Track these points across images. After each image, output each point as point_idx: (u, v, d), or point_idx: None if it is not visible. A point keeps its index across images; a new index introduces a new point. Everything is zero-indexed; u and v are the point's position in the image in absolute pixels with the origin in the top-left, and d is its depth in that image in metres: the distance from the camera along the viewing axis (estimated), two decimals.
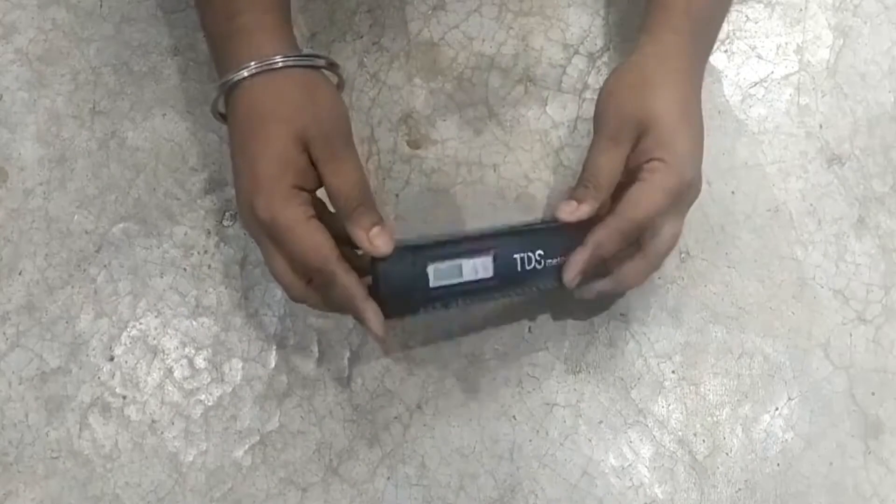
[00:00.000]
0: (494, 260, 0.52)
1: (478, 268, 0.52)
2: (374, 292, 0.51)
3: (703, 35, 0.56)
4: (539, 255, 0.53)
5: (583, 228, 0.53)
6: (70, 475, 0.57)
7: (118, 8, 0.65)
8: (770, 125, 0.65)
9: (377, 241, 0.49)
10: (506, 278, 0.52)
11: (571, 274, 0.53)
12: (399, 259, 0.50)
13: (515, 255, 0.52)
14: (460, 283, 0.51)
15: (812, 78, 0.66)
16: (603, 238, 0.52)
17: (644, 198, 0.51)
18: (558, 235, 0.53)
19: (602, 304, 0.61)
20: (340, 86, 0.56)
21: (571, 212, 0.52)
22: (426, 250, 0.51)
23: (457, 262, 0.51)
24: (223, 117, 0.53)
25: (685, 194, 0.53)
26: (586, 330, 0.61)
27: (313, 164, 0.49)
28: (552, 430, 0.59)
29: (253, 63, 0.49)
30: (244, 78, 0.50)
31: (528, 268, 0.52)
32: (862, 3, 0.68)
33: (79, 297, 0.60)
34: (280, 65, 0.49)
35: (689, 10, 0.54)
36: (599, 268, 0.54)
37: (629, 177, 0.52)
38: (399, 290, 0.51)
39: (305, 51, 0.53)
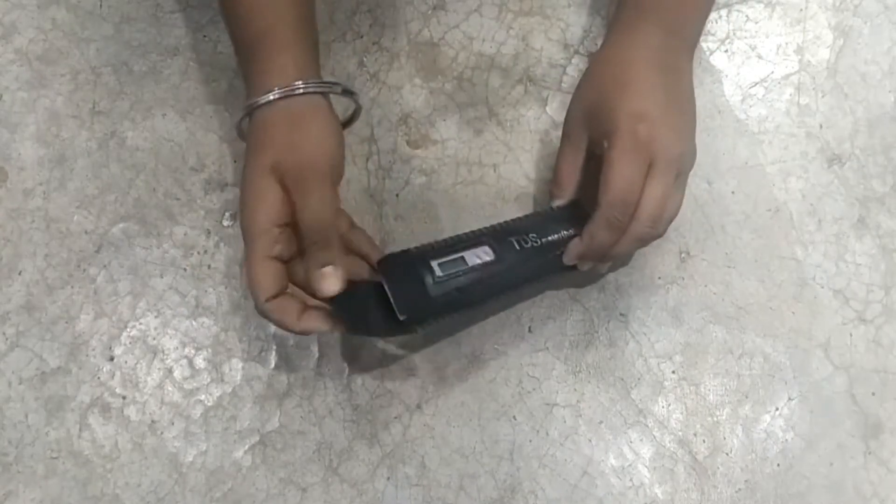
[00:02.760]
0: (492, 245, 0.54)
1: (479, 255, 0.53)
2: (374, 313, 0.51)
3: (678, 28, 0.56)
4: (532, 236, 0.55)
5: (568, 208, 0.56)
6: (70, 475, 0.57)
7: (118, 8, 0.65)
8: (770, 125, 0.65)
9: (322, 283, 0.49)
10: (509, 259, 0.53)
11: (569, 260, 0.55)
12: (401, 265, 0.51)
13: (510, 238, 0.54)
14: (466, 270, 0.52)
15: (812, 78, 0.66)
16: (593, 229, 0.52)
17: (608, 177, 0.50)
18: (546, 218, 0.56)
19: (605, 305, 0.61)
20: (356, 115, 0.58)
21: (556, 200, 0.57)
22: (425, 253, 0.52)
23: (458, 255, 0.53)
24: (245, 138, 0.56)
25: (647, 152, 0.51)
26: (586, 330, 0.61)
27: (289, 195, 0.51)
28: (552, 430, 0.59)
29: (274, 91, 0.51)
30: (259, 105, 0.52)
31: (526, 246, 0.54)
32: (862, 3, 0.68)
33: (79, 297, 0.60)
34: (299, 91, 0.51)
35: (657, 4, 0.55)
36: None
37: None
38: (411, 293, 0.51)
39: (327, 79, 0.54)
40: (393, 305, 0.50)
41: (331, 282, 0.49)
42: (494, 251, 0.53)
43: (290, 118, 0.51)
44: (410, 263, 0.52)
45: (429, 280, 0.51)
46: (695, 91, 0.65)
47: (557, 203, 0.57)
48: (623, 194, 0.50)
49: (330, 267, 0.49)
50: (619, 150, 0.50)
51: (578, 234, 0.54)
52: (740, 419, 0.60)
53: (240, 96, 0.63)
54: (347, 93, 0.55)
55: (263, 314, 0.51)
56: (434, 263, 0.52)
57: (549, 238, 0.55)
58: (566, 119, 0.57)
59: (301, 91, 0.51)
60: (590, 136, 0.54)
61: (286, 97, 0.51)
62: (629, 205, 0.51)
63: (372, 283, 0.52)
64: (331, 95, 0.54)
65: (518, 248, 0.54)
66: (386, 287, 0.50)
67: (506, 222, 0.56)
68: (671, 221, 0.53)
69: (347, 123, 0.58)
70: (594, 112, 0.54)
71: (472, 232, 0.55)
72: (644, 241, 0.54)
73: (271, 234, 0.50)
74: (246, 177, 0.52)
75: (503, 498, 0.58)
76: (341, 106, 0.57)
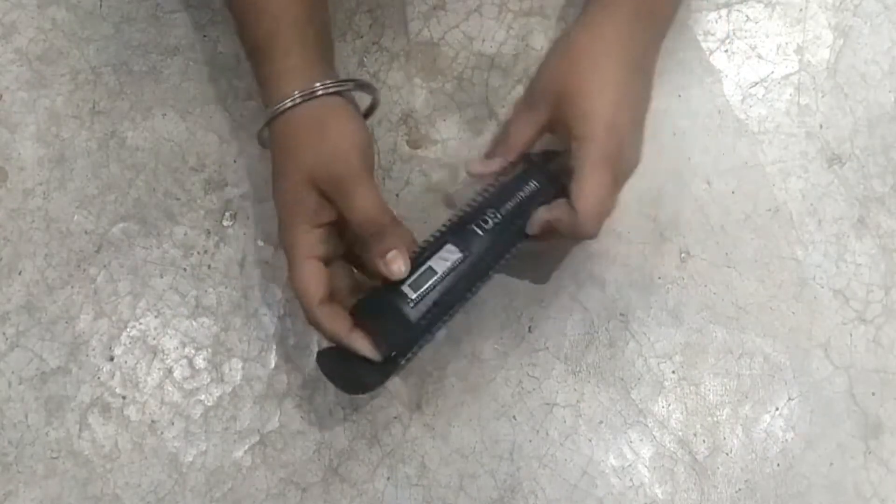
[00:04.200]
0: (454, 242, 0.52)
1: (446, 257, 0.52)
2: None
3: (647, 13, 0.56)
4: (491, 213, 0.53)
5: (517, 176, 0.55)
6: (70, 475, 0.57)
7: (118, 8, 0.65)
8: (770, 125, 0.65)
9: (391, 267, 0.50)
10: (475, 249, 0.52)
11: (533, 231, 0.54)
12: (373, 304, 0.51)
13: (470, 226, 0.53)
14: (440, 279, 0.51)
15: (812, 78, 0.66)
16: (559, 222, 0.53)
17: (585, 190, 0.51)
18: (499, 189, 0.55)
19: (605, 305, 0.61)
20: (374, 105, 0.57)
21: (482, 167, 0.56)
22: (394, 280, 0.51)
23: (426, 266, 0.51)
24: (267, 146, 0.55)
25: (615, 165, 0.52)
26: (586, 330, 0.61)
27: (329, 198, 0.51)
28: (552, 430, 0.59)
29: (294, 96, 0.51)
30: (279, 112, 0.51)
31: (487, 227, 0.53)
32: (862, 2, 0.68)
33: (79, 297, 0.60)
34: (319, 93, 0.51)
35: None
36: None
37: (559, 139, 0.55)
38: (393, 329, 0.50)
39: (342, 76, 0.54)
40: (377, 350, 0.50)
41: (398, 264, 0.50)
42: (459, 247, 0.52)
43: (314, 122, 0.51)
44: (382, 299, 0.51)
45: (405, 308, 0.50)
46: (691, 91, 0.65)
47: (481, 166, 0.56)
48: (599, 208, 0.52)
49: (393, 251, 0.50)
50: (593, 164, 0.51)
51: (533, 189, 0.54)
52: (740, 419, 0.60)
53: (240, 96, 0.64)
54: (365, 87, 0.54)
55: (314, 321, 0.51)
56: (405, 287, 0.51)
57: (508, 207, 0.54)
58: (532, 87, 0.56)
59: (321, 93, 0.51)
60: (552, 117, 0.54)
61: (307, 100, 0.51)
62: (604, 216, 0.52)
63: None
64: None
65: (481, 232, 0.53)
66: (377, 341, 0.50)
67: (462, 210, 0.55)
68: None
69: (366, 115, 0.58)
70: (563, 99, 0.53)
71: (433, 235, 0.54)
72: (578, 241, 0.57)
73: (313, 234, 0.51)
74: (279, 186, 0.52)
75: (503, 498, 0.58)
76: (356, 97, 0.56)
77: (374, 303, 0.52)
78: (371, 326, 0.51)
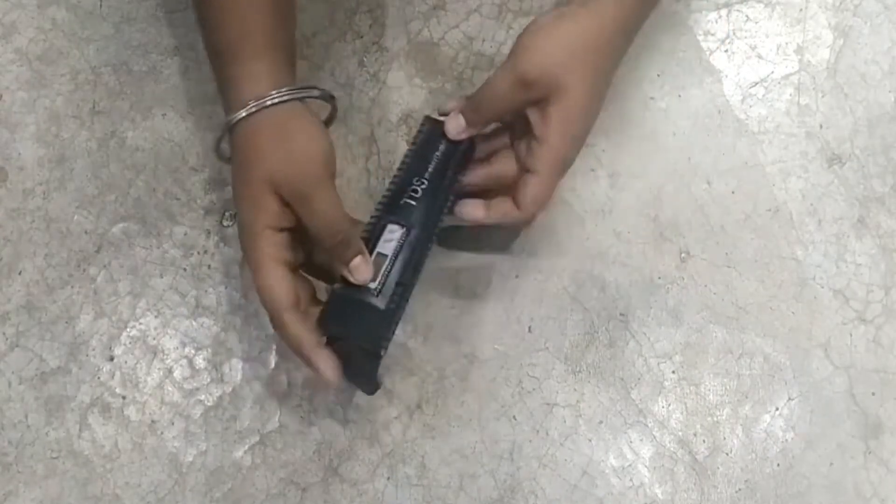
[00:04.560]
0: (393, 220, 0.53)
1: (390, 237, 0.53)
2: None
3: (635, 10, 0.55)
4: (416, 181, 0.54)
5: (424, 139, 0.56)
6: (70, 475, 0.57)
7: (118, 8, 0.65)
8: (770, 125, 0.65)
9: (357, 274, 0.51)
10: (415, 218, 0.53)
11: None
12: (340, 305, 0.51)
13: (403, 200, 0.54)
14: (392, 260, 0.52)
15: (812, 78, 0.66)
16: (500, 213, 0.55)
17: (536, 190, 0.53)
18: (414, 157, 0.56)
19: (605, 305, 0.61)
20: (332, 116, 0.57)
21: (458, 132, 0.55)
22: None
23: (374, 254, 0.52)
24: (228, 159, 0.55)
25: (566, 169, 0.55)
26: (586, 330, 0.61)
27: (288, 204, 0.50)
28: (552, 430, 0.59)
29: (251, 104, 0.51)
30: (237, 121, 0.51)
31: (418, 196, 0.54)
32: (862, 2, 0.68)
33: (79, 297, 0.60)
34: (276, 100, 0.51)
35: None
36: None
37: (515, 117, 0.55)
38: (364, 322, 0.51)
39: (300, 84, 0.53)
40: (360, 345, 0.50)
41: (364, 269, 0.51)
42: (399, 223, 0.53)
43: (274, 129, 0.51)
44: (347, 298, 0.51)
45: (372, 300, 0.51)
46: (691, 91, 0.65)
47: (457, 132, 0.55)
48: (542, 206, 0.54)
49: (357, 258, 0.50)
50: (549, 170, 0.53)
51: (446, 146, 0.55)
52: (740, 419, 0.60)
53: None
54: (325, 97, 0.54)
55: (281, 327, 0.50)
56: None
57: (430, 170, 0.55)
58: (534, 62, 0.52)
59: (278, 100, 0.51)
60: (522, 102, 0.53)
61: (265, 108, 0.51)
62: (542, 210, 0.55)
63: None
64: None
65: (414, 203, 0.54)
66: (346, 336, 0.51)
67: (388, 190, 0.55)
68: None
69: (326, 124, 0.57)
70: (554, 94, 0.52)
71: (371, 221, 0.54)
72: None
73: (275, 237, 0.50)
74: (239, 193, 0.52)
75: (503, 498, 0.58)
76: (315, 105, 0.55)
77: (341, 303, 0.52)
78: (346, 327, 0.51)
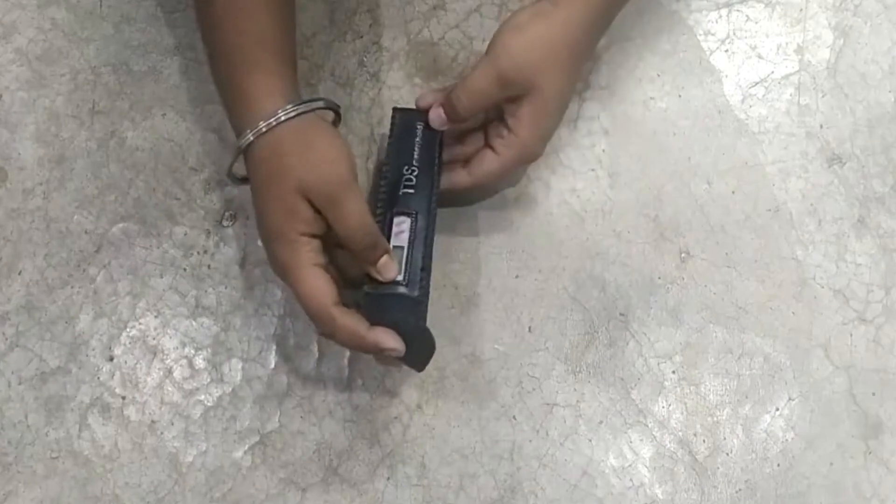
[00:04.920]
0: (397, 212, 0.55)
1: (401, 230, 0.54)
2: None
3: (604, 12, 0.57)
4: (406, 170, 0.56)
5: (401, 128, 0.58)
6: (70, 475, 0.57)
7: (118, 8, 0.65)
8: (770, 125, 0.65)
9: (385, 272, 0.52)
10: (416, 205, 0.55)
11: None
12: (372, 300, 0.53)
13: (399, 192, 0.55)
14: (410, 249, 0.53)
15: (812, 78, 0.66)
16: (460, 180, 0.58)
17: (493, 170, 0.57)
18: (396, 147, 0.57)
19: (605, 305, 0.61)
20: (336, 124, 0.58)
21: (440, 125, 0.57)
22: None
23: (393, 247, 0.53)
24: (241, 180, 0.56)
25: (525, 162, 0.59)
26: (586, 330, 0.61)
27: (318, 210, 0.51)
28: (552, 430, 0.59)
29: (270, 120, 0.52)
30: (252, 141, 0.52)
31: (413, 183, 0.56)
32: (862, 2, 0.68)
33: (78, 297, 0.60)
34: (283, 118, 0.52)
35: None
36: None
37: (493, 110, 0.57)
38: (401, 312, 0.52)
39: (309, 98, 0.54)
40: (404, 331, 0.52)
41: (391, 267, 0.52)
42: (404, 214, 0.54)
43: (295, 139, 0.52)
44: (379, 294, 0.52)
45: (402, 290, 0.52)
46: (691, 91, 0.65)
47: (440, 122, 0.57)
48: (490, 181, 0.58)
49: (384, 258, 0.52)
50: (512, 157, 0.56)
51: (423, 131, 0.57)
52: (740, 419, 0.60)
53: None
54: (331, 106, 0.55)
55: (331, 322, 0.51)
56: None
57: (416, 156, 0.56)
58: (514, 61, 0.54)
59: (294, 114, 0.52)
60: (499, 98, 0.55)
61: (290, 118, 0.52)
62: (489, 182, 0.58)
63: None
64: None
65: (412, 190, 0.55)
66: (391, 320, 0.52)
67: (382, 185, 0.56)
68: None
69: None
70: (531, 93, 0.54)
71: (377, 218, 0.55)
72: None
73: (311, 243, 0.51)
74: (268, 207, 0.52)
75: (503, 498, 0.58)
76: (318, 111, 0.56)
77: (376, 302, 0.53)
78: (387, 321, 0.52)
